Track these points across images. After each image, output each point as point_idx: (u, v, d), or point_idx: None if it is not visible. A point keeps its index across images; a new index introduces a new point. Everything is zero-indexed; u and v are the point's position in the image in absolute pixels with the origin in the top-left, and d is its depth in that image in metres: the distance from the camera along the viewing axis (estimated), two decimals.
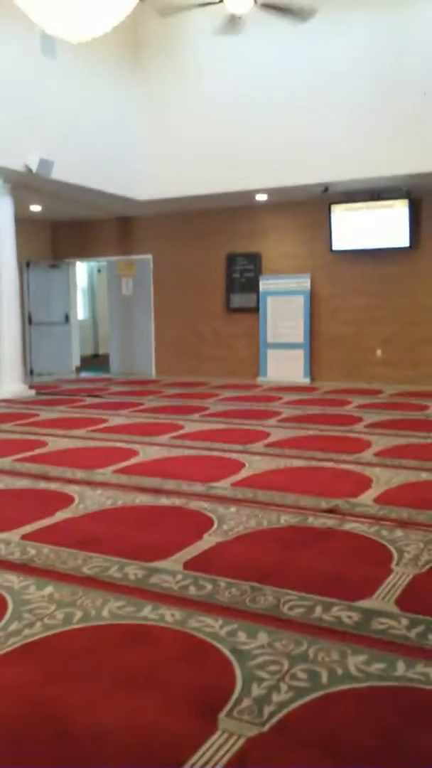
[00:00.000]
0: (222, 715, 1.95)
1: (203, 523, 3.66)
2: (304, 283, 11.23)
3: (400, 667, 2.19)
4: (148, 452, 5.57)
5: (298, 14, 7.72)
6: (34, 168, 8.90)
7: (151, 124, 10.73)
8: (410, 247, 10.36)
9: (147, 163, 10.72)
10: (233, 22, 7.86)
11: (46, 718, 1.95)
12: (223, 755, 1.77)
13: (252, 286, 11.71)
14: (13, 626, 2.49)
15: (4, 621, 2.53)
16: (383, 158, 9.27)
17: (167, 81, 10.57)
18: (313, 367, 11.29)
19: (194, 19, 8.98)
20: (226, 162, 10.16)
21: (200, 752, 1.78)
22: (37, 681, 2.14)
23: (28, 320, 12.44)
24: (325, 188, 10.11)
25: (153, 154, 10.70)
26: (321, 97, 9.58)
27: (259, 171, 9.99)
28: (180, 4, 8.04)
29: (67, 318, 13.40)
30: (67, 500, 4.15)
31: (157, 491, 4.35)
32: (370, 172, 9.49)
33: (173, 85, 10.52)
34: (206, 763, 1.74)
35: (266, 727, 1.89)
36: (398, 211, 10.32)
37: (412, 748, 1.83)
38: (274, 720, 1.92)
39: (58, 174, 9.23)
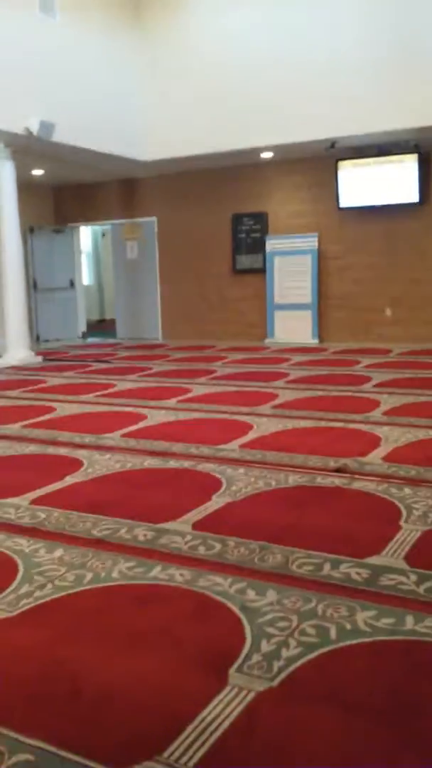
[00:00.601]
0: (232, 670, 1.96)
1: (212, 485, 3.67)
2: (312, 242, 11.09)
3: (409, 622, 2.20)
4: (156, 416, 5.57)
5: None
6: (34, 131, 8.76)
7: (153, 84, 10.52)
8: (420, 202, 10.20)
9: (150, 124, 10.54)
10: None
11: (58, 677, 1.98)
12: (233, 710, 1.79)
13: (258, 247, 11.58)
14: (25, 588, 2.51)
15: (15, 583, 2.55)
16: (391, 112, 9.07)
17: (169, 39, 10.34)
18: (321, 327, 11.21)
19: None
20: (230, 120, 9.97)
21: (210, 707, 1.81)
22: (49, 641, 2.17)
23: (33, 286, 12.38)
24: (332, 144, 9.91)
25: (155, 113, 10.51)
26: (326, 50, 9.35)
27: (263, 128, 9.80)
28: None
29: (72, 283, 13.34)
30: (75, 465, 4.17)
31: (165, 454, 4.36)
32: (378, 126, 9.29)
33: (175, 43, 10.30)
34: (216, 716, 1.77)
35: (275, 682, 1.91)
36: (407, 166, 10.12)
37: (421, 702, 1.84)
38: (284, 675, 1.94)
39: (59, 136, 9.10)
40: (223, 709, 1.80)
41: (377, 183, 10.34)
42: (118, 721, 1.78)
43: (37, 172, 11.57)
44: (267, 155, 10.72)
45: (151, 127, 10.55)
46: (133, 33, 10.45)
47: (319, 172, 10.86)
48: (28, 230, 12.25)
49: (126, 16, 10.34)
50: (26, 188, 11.04)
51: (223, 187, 11.73)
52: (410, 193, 10.17)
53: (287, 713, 1.80)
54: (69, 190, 13.25)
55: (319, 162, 10.71)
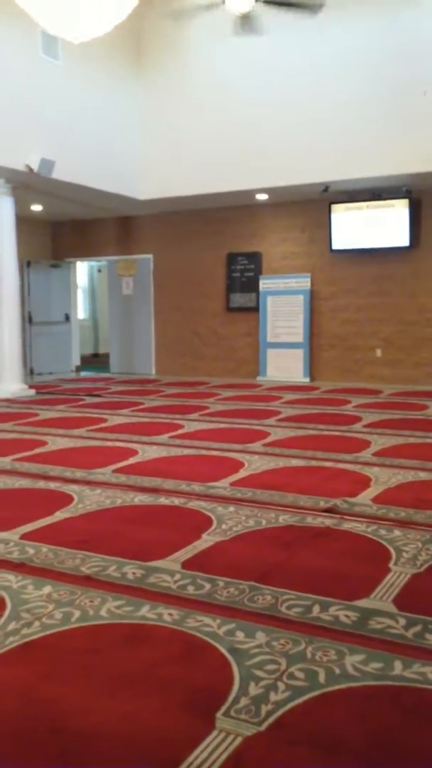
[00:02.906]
0: (219, 714, 1.95)
1: (202, 523, 3.66)
2: (305, 282, 11.23)
3: (398, 667, 2.19)
4: (148, 452, 5.57)
5: (307, 7, 7.61)
6: (35, 168, 8.91)
7: (151, 124, 10.75)
8: (410, 246, 10.37)
9: (147, 163, 10.74)
10: (247, 22, 7.75)
11: (43, 716, 1.95)
12: (221, 754, 1.77)
13: (252, 286, 11.72)
14: (12, 626, 2.49)
15: (2, 620, 2.53)
16: (384, 158, 9.28)
17: (168, 81, 10.59)
18: (312, 366, 11.29)
19: (195, 20, 8.98)
20: (226, 161, 10.17)
21: (197, 751, 1.78)
22: (34, 680, 2.15)
23: (28, 320, 12.44)
24: (326, 188, 10.12)
25: (153, 153, 10.72)
26: (322, 96, 9.59)
27: (259, 170, 10.00)
28: (182, 3, 8.03)
29: (67, 317, 13.42)
30: (66, 500, 4.15)
31: (156, 491, 4.36)
32: (371, 171, 9.50)
33: (174, 84, 10.54)
34: (203, 762, 1.74)
35: (263, 726, 1.89)
36: (398, 211, 10.32)
37: (409, 748, 1.83)
38: (272, 719, 1.92)
39: (59, 174, 9.25)
40: (210, 753, 1.78)
41: (369, 226, 10.52)
42: (100, 764, 1.76)
43: (36, 207, 11.72)
44: (262, 197, 10.91)
45: (149, 166, 10.74)
46: (134, 76, 10.71)
47: (313, 214, 11.05)
48: (26, 264, 12.35)
49: (127, 60, 10.60)
50: (25, 223, 11.17)
51: (218, 226, 11.91)
52: (401, 237, 10.35)
53: (275, 758, 1.78)
54: (67, 225, 13.41)
55: (313, 205, 10.91)
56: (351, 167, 9.54)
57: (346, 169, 9.57)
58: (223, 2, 7.45)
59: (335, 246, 10.86)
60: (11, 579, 2.92)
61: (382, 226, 10.43)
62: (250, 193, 10.63)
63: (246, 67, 10.01)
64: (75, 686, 2.11)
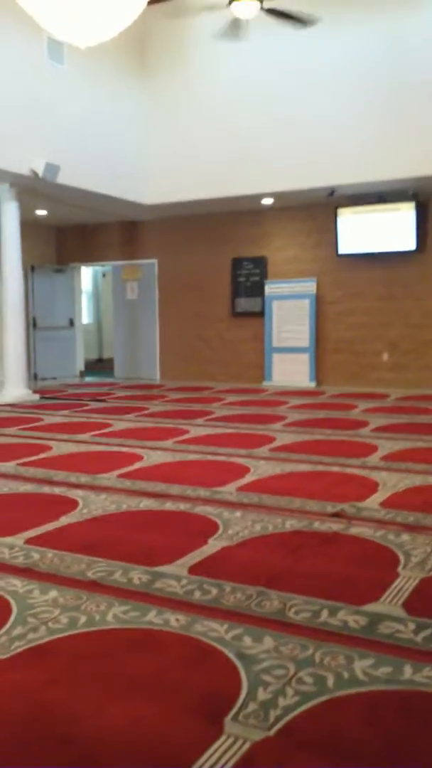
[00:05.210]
0: (227, 719, 1.93)
1: (208, 528, 3.64)
2: (310, 287, 11.22)
3: (407, 671, 2.17)
4: (153, 457, 5.56)
5: (301, 21, 7.78)
6: (40, 172, 8.93)
7: (157, 129, 10.77)
8: (417, 250, 10.35)
9: (152, 167, 10.75)
10: (235, 26, 7.90)
11: (50, 722, 1.94)
12: (229, 759, 1.75)
13: (257, 290, 11.71)
14: (17, 630, 2.47)
15: (8, 625, 2.51)
16: (390, 161, 9.28)
17: (173, 85, 10.61)
18: (318, 371, 11.27)
19: (200, 24, 9.01)
20: (232, 166, 10.18)
21: (205, 756, 1.76)
22: (41, 685, 2.13)
23: (32, 324, 12.46)
24: (332, 192, 10.11)
25: (159, 158, 10.73)
26: (327, 100, 9.60)
27: (264, 175, 10.01)
28: (187, 6, 8.09)
29: (71, 322, 13.43)
30: (71, 505, 4.14)
31: (161, 496, 4.34)
32: (377, 175, 9.49)
33: (179, 89, 10.56)
34: (212, 767, 1.73)
35: (272, 732, 1.87)
36: (405, 215, 10.31)
37: (419, 753, 1.81)
38: (280, 724, 1.90)
39: (63, 178, 9.26)
40: (219, 758, 1.76)
41: (376, 230, 10.51)
42: None
43: (41, 212, 11.75)
44: (267, 201, 10.91)
45: (154, 171, 10.76)
46: (139, 80, 10.74)
47: (319, 218, 11.05)
48: (30, 269, 12.38)
49: (132, 65, 10.63)
50: (29, 227, 11.19)
51: (223, 231, 11.91)
52: (408, 241, 10.34)
53: (284, 763, 1.76)
54: (71, 230, 13.43)
55: (319, 209, 10.91)
56: (357, 171, 9.53)
57: (352, 173, 9.57)
58: (228, 5, 7.49)
59: (341, 250, 10.85)
60: (17, 584, 2.90)
61: (389, 229, 10.41)
62: (255, 198, 10.63)
63: (252, 72, 10.02)
64: (82, 691, 2.09)
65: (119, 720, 1.94)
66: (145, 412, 8.40)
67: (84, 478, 4.82)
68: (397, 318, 10.73)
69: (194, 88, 10.49)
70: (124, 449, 5.91)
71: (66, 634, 2.45)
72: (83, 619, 2.56)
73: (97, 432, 6.87)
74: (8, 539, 3.49)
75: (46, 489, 4.56)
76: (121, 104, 10.49)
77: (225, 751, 1.79)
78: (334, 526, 3.67)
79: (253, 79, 10.02)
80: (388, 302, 10.76)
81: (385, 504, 4.06)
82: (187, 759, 1.75)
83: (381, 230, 10.47)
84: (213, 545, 3.37)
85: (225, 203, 10.92)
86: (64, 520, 3.81)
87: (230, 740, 1.83)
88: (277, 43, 9.53)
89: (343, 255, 10.89)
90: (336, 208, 10.68)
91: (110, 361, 14.14)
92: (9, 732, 1.90)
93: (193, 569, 3.05)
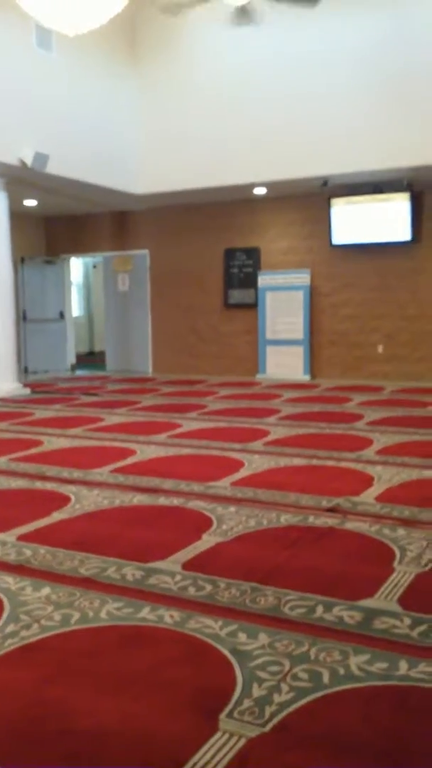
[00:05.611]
0: (223, 715, 1.91)
1: (202, 523, 3.62)
2: (304, 278, 11.18)
3: (403, 667, 2.16)
4: (146, 451, 5.53)
5: (304, 0, 7.58)
6: (28, 162, 8.85)
7: (147, 117, 10.68)
8: (411, 241, 10.33)
9: (143, 157, 10.68)
10: (244, 11, 7.73)
11: (45, 718, 1.92)
12: (224, 756, 1.74)
13: (251, 282, 11.66)
14: (10, 628, 2.44)
15: (0, 622, 2.49)
16: (384, 151, 9.23)
17: (164, 74, 10.52)
18: (313, 364, 11.24)
19: (191, 13, 8.90)
20: (224, 155, 10.11)
21: (201, 753, 1.75)
22: (35, 682, 2.11)
23: (22, 317, 12.37)
24: (325, 182, 10.05)
25: (149, 147, 10.65)
26: (321, 88, 9.54)
27: (257, 164, 9.95)
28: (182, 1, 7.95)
29: (62, 315, 13.35)
30: (63, 500, 4.10)
31: (155, 491, 4.31)
32: (371, 164, 9.45)
33: (170, 77, 10.48)
34: (207, 763, 1.72)
35: (267, 728, 1.86)
36: (399, 205, 10.27)
37: (415, 748, 1.80)
38: (276, 720, 1.89)
39: (53, 168, 9.18)
40: (215, 755, 1.75)
41: (370, 221, 10.47)
42: (104, 764, 1.72)
43: (30, 202, 11.65)
44: (260, 191, 10.85)
45: (145, 160, 10.68)
46: (129, 68, 10.64)
47: (313, 209, 11.00)
48: (19, 260, 12.28)
49: (122, 53, 10.53)
50: (18, 218, 11.09)
51: (216, 221, 11.85)
52: (402, 232, 10.30)
53: (280, 759, 1.74)
54: (61, 221, 13.33)
55: (313, 199, 10.86)
56: (351, 161, 9.48)
57: (346, 162, 9.52)
58: None
59: (335, 241, 10.81)
60: (9, 581, 2.87)
61: (383, 220, 10.37)
62: (248, 188, 10.57)
63: (243, 60, 9.94)
64: (78, 688, 2.07)
65: (113, 717, 1.92)
66: (138, 405, 8.37)
67: (76, 474, 4.78)
68: (392, 309, 10.71)
69: (186, 76, 10.40)
70: (116, 444, 5.88)
71: (59, 631, 2.42)
72: (76, 615, 2.54)
73: (89, 426, 6.83)
74: (0, 536, 3.45)
75: (38, 484, 4.52)
76: (112, 92, 10.39)
77: (220, 748, 1.78)
78: (329, 520, 3.65)
79: (245, 67, 9.94)
80: (383, 293, 10.74)
81: (380, 498, 4.04)
82: (182, 755, 1.74)
83: (375, 221, 10.43)
84: (207, 541, 3.35)
85: (217, 193, 10.85)
86: (56, 516, 3.78)
87: (225, 737, 1.82)
88: (270, 32, 9.44)
89: (337, 246, 10.85)
90: (330, 198, 10.63)
91: (101, 354, 14.07)
92: (2, 730, 1.88)
93: (187, 565, 3.03)
